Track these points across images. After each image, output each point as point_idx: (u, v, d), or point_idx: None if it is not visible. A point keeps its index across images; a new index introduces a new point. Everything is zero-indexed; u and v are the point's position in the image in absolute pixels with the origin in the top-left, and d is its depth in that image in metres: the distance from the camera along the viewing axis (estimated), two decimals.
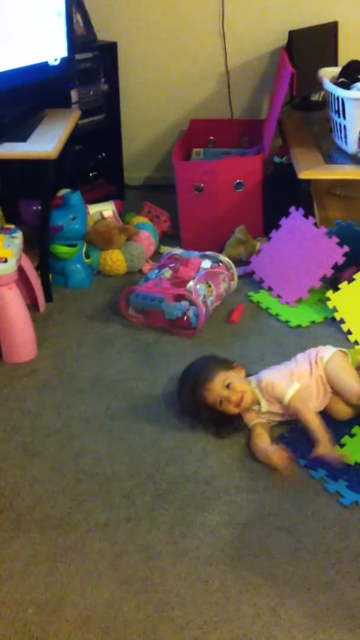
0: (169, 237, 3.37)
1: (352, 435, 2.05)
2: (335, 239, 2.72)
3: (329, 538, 1.75)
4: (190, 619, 1.56)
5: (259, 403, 2.08)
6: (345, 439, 2.03)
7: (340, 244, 2.71)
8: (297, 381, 2.06)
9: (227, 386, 2.02)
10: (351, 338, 2.57)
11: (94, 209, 3.19)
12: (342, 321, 2.63)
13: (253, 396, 2.07)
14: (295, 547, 1.73)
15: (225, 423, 2.08)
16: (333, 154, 2.93)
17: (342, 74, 3.02)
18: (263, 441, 2.01)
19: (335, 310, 2.65)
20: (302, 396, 2.04)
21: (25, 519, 1.82)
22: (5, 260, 2.33)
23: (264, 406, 2.08)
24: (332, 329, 2.64)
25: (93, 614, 1.57)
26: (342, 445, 2.01)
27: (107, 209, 3.23)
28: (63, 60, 2.89)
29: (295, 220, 2.87)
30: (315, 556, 1.70)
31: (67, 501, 1.87)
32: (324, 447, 1.93)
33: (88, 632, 1.53)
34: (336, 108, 2.82)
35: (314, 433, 1.97)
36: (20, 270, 2.52)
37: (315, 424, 1.98)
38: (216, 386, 2.02)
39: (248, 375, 2.16)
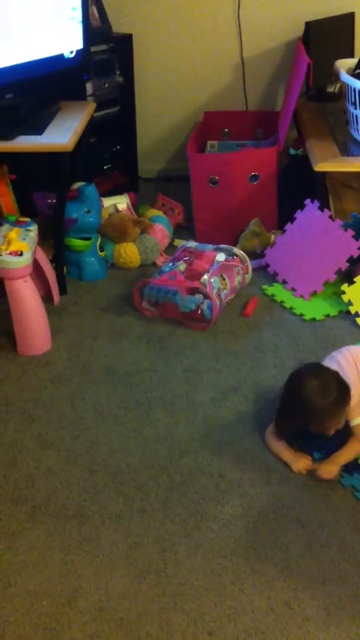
0: (183, 229, 3.37)
1: None
2: (351, 232, 2.70)
3: (343, 531, 1.75)
4: (204, 612, 1.56)
5: None
6: None
7: (356, 237, 2.69)
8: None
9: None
10: None
11: (108, 202, 3.19)
12: (357, 314, 2.62)
13: None
14: (309, 540, 1.73)
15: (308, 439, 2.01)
16: (349, 146, 2.91)
17: (359, 65, 2.99)
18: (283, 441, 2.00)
19: (350, 303, 2.64)
20: None
21: (40, 510, 1.83)
22: (21, 254, 2.33)
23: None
24: (347, 322, 2.63)
25: (107, 605, 1.58)
26: None
27: (121, 202, 3.22)
28: (78, 52, 2.89)
29: (310, 213, 2.85)
30: (329, 549, 1.70)
31: (81, 493, 1.88)
32: (334, 471, 1.91)
33: (102, 623, 1.54)
34: (353, 100, 2.79)
35: (343, 457, 1.94)
36: (35, 262, 2.53)
37: (351, 457, 1.95)
38: (330, 424, 1.92)
39: None
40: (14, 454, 2.02)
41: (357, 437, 1.96)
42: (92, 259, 2.95)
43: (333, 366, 1.98)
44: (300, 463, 1.92)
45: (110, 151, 3.61)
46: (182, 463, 1.97)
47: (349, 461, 1.93)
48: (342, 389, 1.90)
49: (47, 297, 2.74)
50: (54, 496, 1.87)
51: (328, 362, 2.03)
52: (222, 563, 1.67)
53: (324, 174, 2.81)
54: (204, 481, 1.91)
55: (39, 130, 2.62)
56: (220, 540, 1.73)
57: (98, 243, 2.97)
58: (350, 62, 3.06)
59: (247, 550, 1.71)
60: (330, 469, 1.90)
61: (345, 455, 1.94)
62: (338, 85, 3.44)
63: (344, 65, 3.00)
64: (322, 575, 1.64)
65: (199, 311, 2.59)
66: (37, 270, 2.61)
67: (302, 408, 1.87)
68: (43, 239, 2.74)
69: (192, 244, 2.90)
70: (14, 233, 2.41)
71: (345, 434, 1.98)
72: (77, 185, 2.89)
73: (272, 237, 3.05)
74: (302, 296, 2.79)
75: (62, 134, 2.60)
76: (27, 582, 1.64)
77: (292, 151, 3.37)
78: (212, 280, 2.62)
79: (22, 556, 1.70)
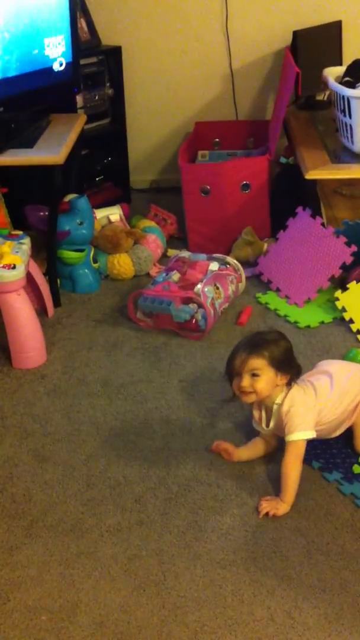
0: (176, 239, 3.37)
1: None
2: (343, 239, 2.71)
3: (343, 539, 1.74)
4: (205, 623, 1.55)
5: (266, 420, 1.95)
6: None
7: (348, 244, 2.70)
8: (314, 429, 1.87)
9: (253, 375, 1.84)
10: None
11: (101, 213, 3.19)
12: (351, 321, 2.62)
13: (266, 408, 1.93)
14: (308, 548, 1.72)
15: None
16: (339, 153, 2.92)
17: (347, 73, 3.01)
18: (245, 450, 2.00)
19: (344, 310, 2.65)
20: (302, 452, 1.85)
21: (38, 524, 1.82)
22: (14, 267, 2.33)
23: (270, 426, 1.93)
24: (341, 328, 2.63)
25: (106, 619, 1.56)
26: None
27: (114, 213, 3.23)
28: (68, 65, 2.90)
29: (302, 221, 2.86)
30: (329, 558, 1.69)
31: (78, 506, 1.87)
32: (283, 508, 1.81)
33: (102, 637, 1.52)
34: (342, 107, 2.81)
35: (285, 490, 1.82)
36: (29, 275, 2.52)
37: (293, 486, 1.83)
38: (244, 366, 1.83)
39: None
40: (10, 468, 2.01)
41: (287, 459, 1.85)
42: (86, 270, 2.95)
43: (323, 378, 1.95)
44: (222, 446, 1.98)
45: (102, 163, 3.62)
46: (179, 474, 1.97)
47: (294, 489, 1.82)
48: (277, 346, 1.85)
49: (41, 310, 2.74)
50: (51, 510, 1.86)
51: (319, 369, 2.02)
52: (221, 574, 1.66)
53: (315, 181, 2.83)
54: (202, 492, 1.90)
55: (29, 143, 2.63)
56: (219, 551, 1.72)
57: (91, 255, 2.97)
58: (339, 70, 3.08)
59: (246, 560, 1.70)
60: (282, 510, 1.81)
61: (288, 483, 1.82)
62: (327, 93, 3.46)
63: (332, 73, 3.02)
64: (322, 584, 1.63)
65: (194, 321, 2.59)
66: (30, 283, 2.60)
67: (243, 341, 1.89)
68: (36, 252, 2.74)
69: (185, 253, 2.90)
70: (6, 247, 2.41)
71: (346, 442, 1.98)
72: (70, 197, 2.89)
73: (265, 245, 3.06)
74: (296, 304, 2.79)
75: (53, 147, 2.60)
76: (26, 597, 1.62)
77: (282, 160, 3.38)
78: (206, 289, 2.62)
79: (20, 571, 1.69)
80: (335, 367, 2.01)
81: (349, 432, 2.00)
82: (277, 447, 1.98)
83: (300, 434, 1.83)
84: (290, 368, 1.88)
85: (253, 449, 2.00)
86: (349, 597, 1.59)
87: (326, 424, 1.92)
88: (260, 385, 1.83)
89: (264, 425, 1.95)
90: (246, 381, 1.83)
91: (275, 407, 1.88)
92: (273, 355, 1.84)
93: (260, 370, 1.83)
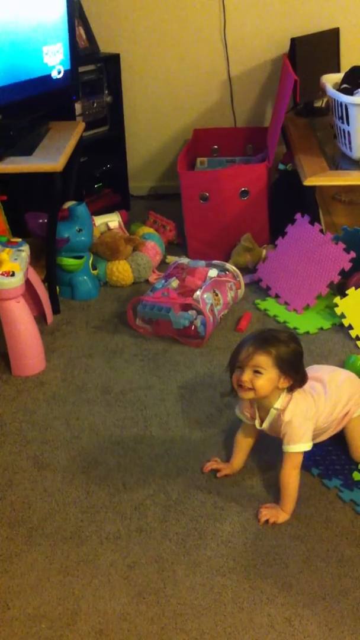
0: (175, 246, 3.38)
1: None
2: (342, 245, 2.71)
3: (343, 546, 1.74)
4: (204, 631, 1.55)
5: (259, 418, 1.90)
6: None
7: (347, 250, 2.70)
8: (310, 438, 1.84)
9: (255, 372, 1.78)
10: None
11: (100, 220, 3.20)
12: (350, 327, 2.63)
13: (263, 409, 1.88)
14: (308, 555, 1.72)
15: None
16: (338, 159, 2.93)
17: (344, 80, 3.02)
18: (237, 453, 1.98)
19: (343, 316, 2.65)
20: (300, 462, 1.84)
21: (37, 532, 1.81)
22: (13, 274, 2.33)
23: (264, 426, 1.89)
24: (340, 335, 2.64)
25: (106, 627, 1.56)
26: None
27: (113, 220, 3.23)
28: (66, 72, 2.91)
29: (301, 227, 2.87)
30: (329, 565, 1.69)
31: (78, 513, 1.87)
32: (283, 516, 1.81)
33: None
34: (340, 114, 2.81)
35: (284, 499, 1.82)
36: (28, 282, 2.53)
37: (292, 495, 1.82)
38: (248, 360, 1.77)
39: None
40: (10, 475, 2.01)
41: (285, 468, 1.83)
42: (85, 277, 2.95)
43: (318, 386, 1.93)
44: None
45: (100, 170, 3.63)
46: (179, 481, 1.97)
47: (294, 498, 1.82)
48: (287, 346, 1.77)
49: (40, 317, 2.74)
50: (51, 518, 1.86)
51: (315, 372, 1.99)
52: (221, 581, 1.66)
53: (313, 188, 2.83)
54: (202, 499, 1.90)
55: (28, 151, 2.63)
56: (219, 558, 1.72)
57: (90, 262, 2.97)
58: (336, 77, 3.09)
59: (246, 567, 1.69)
60: (282, 518, 1.81)
61: (287, 493, 1.82)
62: (325, 100, 3.47)
63: (330, 80, 3.03)
64: (322, 591, 1.63)
65: (193, 327, 2.59)
66: (29, 290, 2.61)
67: (251, 335, 1.82)
68: (35, 259, 2.75)
69: (184, 260, 2.91)
70: (5, 254, 2.41)
71: (345, 449, 1.97)
72: (68, 204, 2.90)
73: (264, 251, 3.06)
74: (295, 310, 2.80)
75: (51, 154, 2.61)
76: (26, 605, 1.62)
77: (281, 166, 3.39)
78: (205, 296, 2.62)
79: (20, 579, 1.69)
80: (325, 374, 1.98)
81: (345, 441, 2.00)
82: (258, 436, 1.96)
83: (300, 446, 1.81)
84: (296, 374, 1.80)
85: (241, 452, 1.98)
86: (349, 604, 1.59)
87: (317, 431, 1.91)
88: (260, 383, 1.76)
89: (256, 423, 1.90)
90: (247, 376, 1.76)
91: (273, 411, 1.83)
92: (280, 355, 1.76)
93: (264, 369, 1.75)
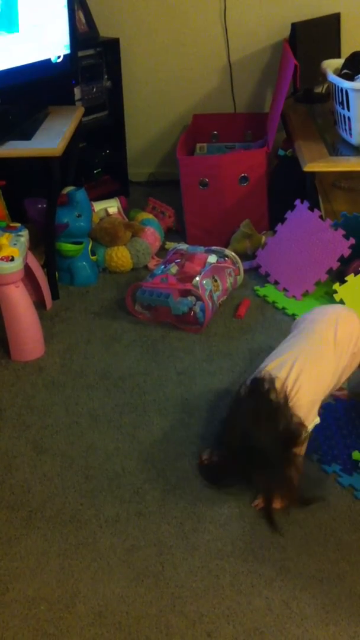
0: (174, 232, 3.37)
1: None
2: (341, 232, 2.71)
3: (341, 531, 1.75)
4: (203, 613, 1.56)
5: None
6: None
7: (346, 236, 2.70)
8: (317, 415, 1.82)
9: None
10: None
11: (99, 206, 3.19)
12: None
13: None
14: (306, 539, 1.73)
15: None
16: (338, 146, 2.92)
17: (345, 65, 3.01)
18: None
19: (342, 302, 2.65)
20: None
21: (36, 515, 1.82)
22: (12, 259, 2.33)
23: None
24: None
25: (105, 609, 1.57)
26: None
27: (112, 206, 3.23)
28: (66, 57, 2.89)
29: (300, 214, 2.86)
30: (327, 549, 1.70)
31: (77, 497, 1.88)
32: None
33: (100, 627, 1.53)
34: (340, 100, 2.81)
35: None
36: (27, 268, 2.52)
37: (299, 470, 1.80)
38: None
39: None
40: (9, 460, 2.02)
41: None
42: (84, 263, 2.95)
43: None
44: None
45: (100, 156, 3.62)
46: (178, 466, 1.97)
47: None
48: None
49: (39, 303, 2.74)
50: (50, 501, 1.87)
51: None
52: (219, 564, 1.67)
53: (313, 174, 2.82)
54: (200, 483, 1.91)
55: (27, 135, 2.62)
56: (217, 542, 1.73)
57: (89, 247, 2.97)
58: (337, 62, 3.08)
59: (244, 551, 1.71)
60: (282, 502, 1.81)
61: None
62: (325, 86, 3.46)
63: (330, 65, 3.02)
64: (320, 575, 1.64)
65: (192, 313, 2.59)
66: (29, 275, 2.60)
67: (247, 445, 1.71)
68: (34, 245, 2.74)
69: (183, 246, 2.90)
70: (4, 239, 2.41)
71: (343, 434, 1.98)
72: (68, 190, 2.89)
73: (263, 238, 3.06)
74: (294, 296, 2.80)
75: (51, 139, 2.60)
76: (25, 587, 1.63)
77: (281, 152, 3.38)
78: (204, 282, 2.62)
79: (19, 562, 1.70)
80: (318, 327, 1.91)
81: (351, 414, 1.98)
82: None
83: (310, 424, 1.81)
84: (295, 442, 1.74)
85: None
86: (346, 588, 1.60)
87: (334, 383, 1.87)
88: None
89: None
90: (259, 503, 1.81)
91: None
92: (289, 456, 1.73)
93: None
